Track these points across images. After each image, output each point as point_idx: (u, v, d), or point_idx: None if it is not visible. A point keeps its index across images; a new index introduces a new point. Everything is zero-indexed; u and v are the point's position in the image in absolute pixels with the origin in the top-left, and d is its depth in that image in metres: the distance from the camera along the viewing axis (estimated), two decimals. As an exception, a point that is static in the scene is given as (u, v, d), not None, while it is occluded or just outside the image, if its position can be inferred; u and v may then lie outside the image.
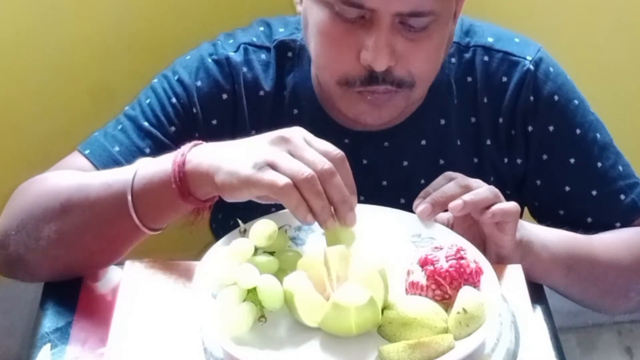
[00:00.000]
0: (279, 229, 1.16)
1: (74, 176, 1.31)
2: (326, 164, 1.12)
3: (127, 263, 1.25)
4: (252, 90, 1.44)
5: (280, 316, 1.12)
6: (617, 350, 2.33)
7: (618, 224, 1.44)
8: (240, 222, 1.18)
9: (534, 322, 1.19)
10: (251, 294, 1.11)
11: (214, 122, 1.43)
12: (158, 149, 1.37)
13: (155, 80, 1.46)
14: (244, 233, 1.17)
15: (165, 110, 1.42)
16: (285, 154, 1.14)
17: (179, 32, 1.78)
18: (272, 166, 1.13)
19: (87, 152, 1.39)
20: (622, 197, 1.45)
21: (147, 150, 1.39)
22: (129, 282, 1.23)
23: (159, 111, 1.42)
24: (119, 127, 1.42)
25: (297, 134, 1.16)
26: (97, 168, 1.36)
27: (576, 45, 1.90)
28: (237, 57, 1.44)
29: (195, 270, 1.16)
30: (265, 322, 1.11)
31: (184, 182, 1.19)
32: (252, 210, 1.22)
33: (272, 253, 1.16)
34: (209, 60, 1.44)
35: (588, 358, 2.31)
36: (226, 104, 1.43)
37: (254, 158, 1.13)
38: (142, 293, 1.21)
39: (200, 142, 1.23)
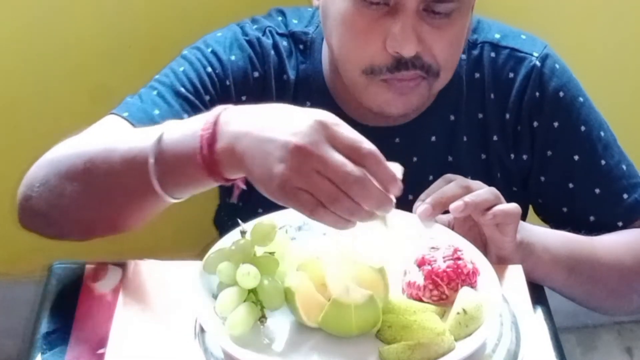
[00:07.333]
0: (279, 229, 1.16)
1: (103, 138, 1.27)
2: (351, 176, 1.05)
3: (128, 263, 1.25)
4: (278, 73, 1.45)
5: (280, 316, 1.12)
6: (617, 350, 2.33)
7: (620, 223, 1.44)
8: (240, 222, 1.18)
9: (535, 322, 1.19)
10: (251, 294, 1.11)
11: (244, 98, 1.42)
12: (195, 114, 1.34)
13: (186, 52, 1.45)
14: (244, 233, 1.17)
15: (201, 78, 1.41)
16: (311, 172, 1.05)
17: (179, 32, 1.78)
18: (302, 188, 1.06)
19: (126, 114, 1.35)
20: (625, 196, 1.45)
21: (185, 116, 1.35)
22: (130, 282, 1.23)
23: (194, 78, 1.40)
24: (154, 92, 1.39)
25: (319, 139, 1.06)
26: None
27: (577, 45, 1.90)
28: (266, 39, 1.45)
29: (195, 270, 1.16)
30: (265, 322, 1.11)
31: (214, 163, 1.11)
32: (254, 210, 1.22)
33: (272, 253, 1.16)
34: (242, 38, 1.45)
35: (588, 358, 2.31)
36: (256, 82, 1.44)
37: (282, 178, 1.05)
38: (142, 293, 1.21)
39: (225, 108, 1.13)
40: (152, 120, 1.33)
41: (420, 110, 1.43)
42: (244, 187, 1.16)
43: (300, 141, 1.06)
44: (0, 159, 1.94)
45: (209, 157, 1.11)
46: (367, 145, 1.07)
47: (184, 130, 1.14)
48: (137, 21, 1.85)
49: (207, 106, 1.37)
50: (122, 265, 1.26)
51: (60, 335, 1.19)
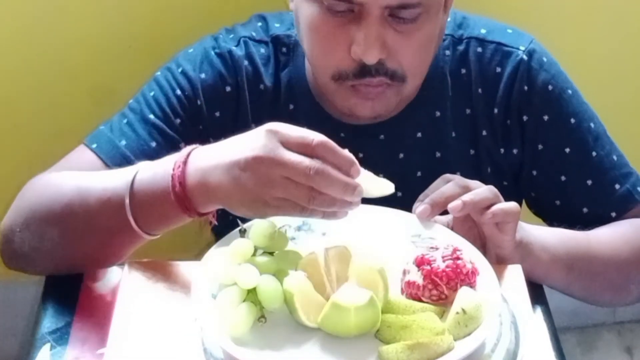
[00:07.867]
0: (279, 229, 1.16)
1: (75, 179, 1.31)
2: (309, 169, 1.11)
3: (127, 263, 1.25)
4: (253, 83, 1.45)
5: (280, 316, 1.12)
6: (617, 350, 2.33)
7: (613, 214, 1.44)
8: (240, 222, 1.18)
9: (534, 322, 1.19)
10: (251, 294, 1.11)
11: (217, 114, 1.43)
12: (165, 141, 1.39)
13: (159, 73, 1.46)
14: (244, 233, 1.17)
15: (170, 102, 1.42)
16: (280, 179, 1.12)
17: (179, 32, 1.78)
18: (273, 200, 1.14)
19: (94, 146, 1.39)
20: (617, 186, 1.45)
21: (154, 144, 1.39)
22: (129, 282, 1.23)
23: (163, 103, 1.42)
24: (125, 120, 1.42)
25: (273, 145, 1.13)
26: (106, 163, 1.37)
27: (572, 43, 1.90)
28: (239, 50, 1.46)
29: (195, 270, 1.16)
30: (265, 322, 1.11)
31: (187, 200, 1.18)
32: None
33: (272, 253, 1.16)
34: (212, 53, 1.45)
35: (588, 358, 2.31)
36: (229, 96, 1.44)
37: (259, 195, 1.13)
38: (142, 293, 1.21)
39: (193, 148, 1.20)
40: (119, 152, 1.38)
41: (401, 108, 1.43)
42: (215, 222, 1.24)
43: (257, 152, 1.13)
44: (0, 159, 1.94)
45: (182, 194, 1.18)
46: (315, 137, 1.13)
47: (156, 171, 1.21)
48: (137, 21, 1.85)
49: (178, 130, 1.41)
50: (122, 265, 1.26)
51: (60, 335, 1.19)
